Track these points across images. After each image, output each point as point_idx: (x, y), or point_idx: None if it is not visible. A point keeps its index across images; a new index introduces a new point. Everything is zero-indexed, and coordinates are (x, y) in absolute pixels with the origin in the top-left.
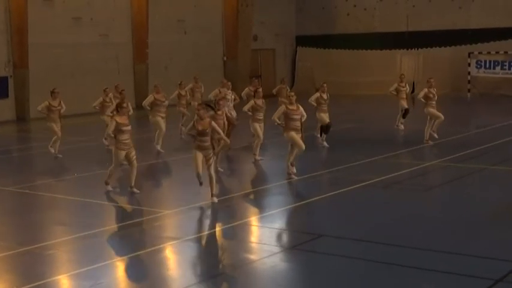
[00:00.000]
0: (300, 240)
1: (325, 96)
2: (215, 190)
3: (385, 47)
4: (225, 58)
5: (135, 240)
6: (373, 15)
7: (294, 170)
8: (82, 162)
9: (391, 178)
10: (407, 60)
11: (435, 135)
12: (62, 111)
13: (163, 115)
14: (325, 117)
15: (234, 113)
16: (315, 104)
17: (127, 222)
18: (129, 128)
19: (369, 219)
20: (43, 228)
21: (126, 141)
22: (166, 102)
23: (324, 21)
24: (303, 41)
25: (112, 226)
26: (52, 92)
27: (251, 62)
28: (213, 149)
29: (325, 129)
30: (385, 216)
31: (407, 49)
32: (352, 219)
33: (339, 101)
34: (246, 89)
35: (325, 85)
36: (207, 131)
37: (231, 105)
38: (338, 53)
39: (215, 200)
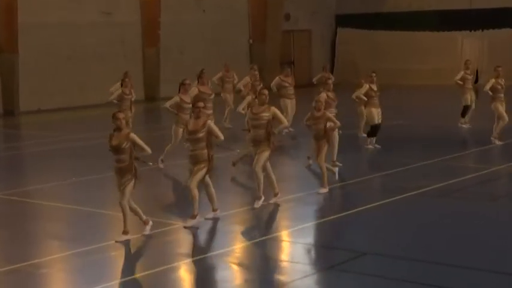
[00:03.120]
0: (339, 259)
1: (375, 87)
2: (128, 226)
3: (443, 28)
4: (251, 41)
5: (144, 257)
6: None
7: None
8: (81, 164)
9: (449, 185)
10: (469, 44)
11: (496, 142)
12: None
13: (210, 111)
14: (376, 113)
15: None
16: (365, 98)
17: (134, 236)
18: None
19: (422, 234)
20: (35, 242)
21: None
22: (213, 95)
23: None
24: (344, 20)
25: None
26: (182, 84)
27: (282, 46)
28: (135, 170)
29: (373, 130)
30: (442, 232)
31: (470, 30)
32: (402, 235)
33: (387, 93)
34: (277, 78)
35: (374, 74)
36: (124, 147)
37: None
38: (386, 35)
39: (121, 239)
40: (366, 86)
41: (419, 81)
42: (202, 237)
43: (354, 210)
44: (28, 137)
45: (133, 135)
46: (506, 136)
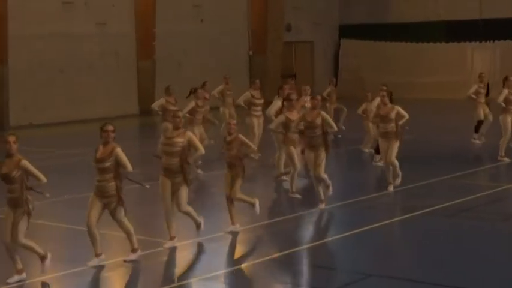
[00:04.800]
0: (344, 281)
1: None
2: (20, 266)
3: (452, 39)
4: (250, 53)
5: (138, 279)
6: (436, 0)
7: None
8: (74, 181)
9: (458, 204)
10: (480, 56)
11: (505, 159)
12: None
13: (259, 113)
14: None
15: None
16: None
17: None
18: None
19: (430, 255)
20: (26, 262)
21: None
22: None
23: (375, 6)
24: (348, 31)
25: (110, 261)
26: (288, 99)
27: (283, 58)
28: (27, 204)
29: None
30: (451, 253)
31: (481, 41)
32: (409, 256)
33: None
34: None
35: (384, 88)
36: (14, 175)
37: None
38: (392, 46)
39: (13, 280)
40: (377, 100)
41: (427, 94)
42: (198, 258)
43: (359, 230)
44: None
45: (25, 163)
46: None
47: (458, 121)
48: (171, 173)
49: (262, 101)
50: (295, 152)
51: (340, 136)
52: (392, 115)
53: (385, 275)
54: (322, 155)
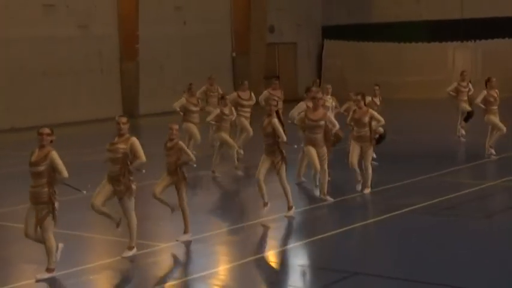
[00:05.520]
0: (330, 280)
1: (377, 101)
2: None
3: (434, 39)
4: (234, 54)
5: (124, 280)
6: (418, 0)
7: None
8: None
9: (441, 202)
10: (462, 56)
11: (492, 152)
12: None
13: (248, 115)
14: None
15: (336, 125)
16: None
17: (114, 259)
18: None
19: (414, 253)
20: (10, 267)
21: None
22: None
23: (358, 7)
24: (331, 32)
25: (95, 263)
26: (313, 98)
27: (267, 59)
28: None
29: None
30: (434, 250)
31: (462, 41)
32: (392, 254)
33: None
34: (265, 92)
35: (377, 88)
36: None
37: (332, 114)
38: (375, 46)
39: None
40: (369, 98)
41: (409, 94)
42: (186, 259)
43: (343, 229)
44: (0, 157)
45: None
46: (500, 150)
47: (440, 120)
48: (113, 180)
49: (250, 102)
50: (315, 151)
51: (295, 146)
52: (366, 119)
53: (371, 272)
54: (279, 163)
